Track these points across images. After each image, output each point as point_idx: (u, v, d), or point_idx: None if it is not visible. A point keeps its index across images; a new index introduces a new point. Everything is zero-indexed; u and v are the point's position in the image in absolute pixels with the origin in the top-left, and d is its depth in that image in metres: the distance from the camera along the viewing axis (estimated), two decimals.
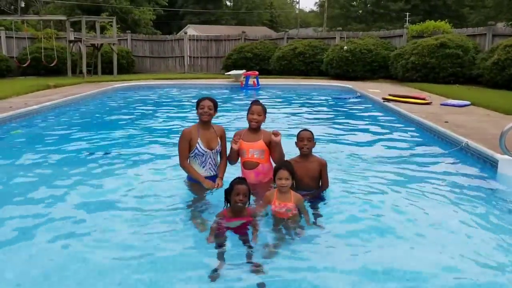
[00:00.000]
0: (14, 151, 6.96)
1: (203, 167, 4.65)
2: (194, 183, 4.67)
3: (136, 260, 3.36)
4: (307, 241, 3.64)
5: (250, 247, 3.51)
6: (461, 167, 5.89)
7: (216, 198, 4.33)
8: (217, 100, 4.75)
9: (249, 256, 3.38)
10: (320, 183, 4.52)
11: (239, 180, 3.78)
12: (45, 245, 3.63)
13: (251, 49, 22.06)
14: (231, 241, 3.62)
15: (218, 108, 4.74)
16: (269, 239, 3.63)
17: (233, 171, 4.74)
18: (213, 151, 4.65)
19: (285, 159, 4.46)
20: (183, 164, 4.65)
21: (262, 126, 4.67)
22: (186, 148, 4.59)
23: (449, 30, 18.72)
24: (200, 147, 4.57)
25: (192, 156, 4.62)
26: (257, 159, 4.52)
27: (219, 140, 4.70)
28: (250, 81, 16.76)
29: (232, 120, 9.28)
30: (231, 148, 4.58)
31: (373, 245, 3.63)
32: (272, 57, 21.53)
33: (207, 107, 4.57)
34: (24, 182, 5.29)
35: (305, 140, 4.40)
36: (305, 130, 4.54)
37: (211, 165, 4.69)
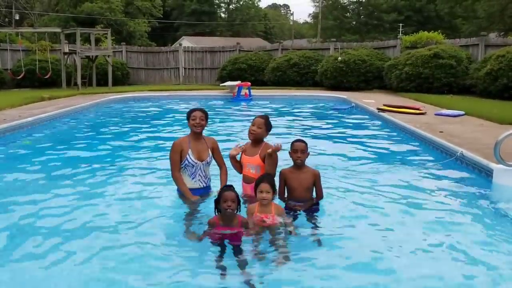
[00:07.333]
0: (6, 162, 6.91)
1: (193, 178, 4.65)
2: None
3: (130, 272, 3.31)
4: (305, 251, 3.61)
5: (240, 255, 3.53)
6: (456, 177, 5.89)
7: (208, 208, 4.29)
8: (207, 111, 4.79)
9: (241, 266, 3.37)
10: (315, 194, 4.52)
11: (226, 188, 3.83)
12: (34, 256, 3.58)
13: (246, 60, 22.13)
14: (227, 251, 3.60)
15: (209, 118, 4.79)
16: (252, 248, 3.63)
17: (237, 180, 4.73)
18: (204, 162, 4.65)
19: (280, 169, 4.45)
20: (174, 175, 4.65)
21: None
22: (177, 159, 4.59)
23: (442, 40, 18.88)
24: (191, 158, 4.56)
25: (182, 167, 4.62)
26: (254, 174, 4.48)
27: (209, 152, 4.69)
28: (242, 92, 16.79)
29: (221, 130, 9.30)
30: (230, 154, 4.62)
31: (368, 253, 3.60)
32: (266, 68, 21.60)
33: (199, 118, 4.59)
34: (15, 193, 5.21)
35: (299, 152, 4.39)
36: (300, 141, 4.53)
37: (201, 176, 4.68)
